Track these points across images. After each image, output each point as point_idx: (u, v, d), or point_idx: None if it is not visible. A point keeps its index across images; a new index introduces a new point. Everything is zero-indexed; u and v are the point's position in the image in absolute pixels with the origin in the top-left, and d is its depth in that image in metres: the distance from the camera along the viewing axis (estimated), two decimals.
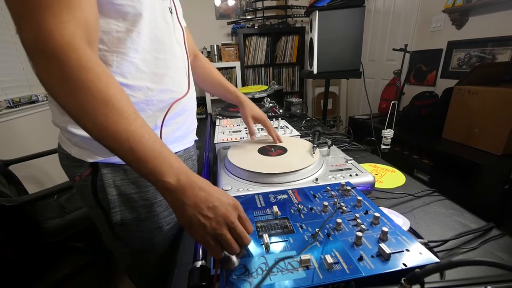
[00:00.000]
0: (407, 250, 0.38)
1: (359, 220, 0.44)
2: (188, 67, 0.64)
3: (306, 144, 0.79)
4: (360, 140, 1.03)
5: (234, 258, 0.38)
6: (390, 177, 0.79)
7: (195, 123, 0.71)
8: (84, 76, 0.34)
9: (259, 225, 0.45)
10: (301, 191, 0.56)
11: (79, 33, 0.35)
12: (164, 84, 0.55)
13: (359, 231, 0.41)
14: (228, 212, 0.36)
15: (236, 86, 2.78)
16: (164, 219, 0.61)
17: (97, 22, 0.40)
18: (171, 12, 0.56)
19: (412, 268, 0.34)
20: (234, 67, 2.72)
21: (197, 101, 0.71)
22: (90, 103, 0.34)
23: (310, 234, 0.42)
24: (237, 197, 0.54)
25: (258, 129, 1.02)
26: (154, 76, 0.53)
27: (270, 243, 0.40)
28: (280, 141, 0.80)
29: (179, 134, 0.63)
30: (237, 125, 1.12)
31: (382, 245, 0.37)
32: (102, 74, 0.36)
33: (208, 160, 0.82)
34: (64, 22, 0.34)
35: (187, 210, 0.36)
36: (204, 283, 0.36)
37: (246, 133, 0.94)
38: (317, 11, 1.41)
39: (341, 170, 0.66)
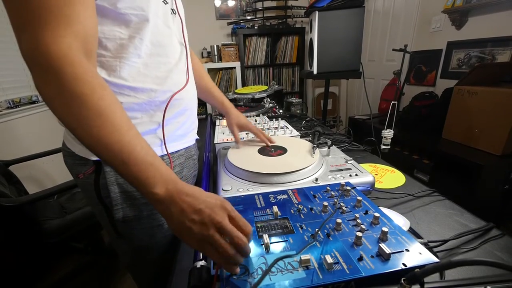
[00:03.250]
0: (407, 250, 0.38)
1: (359, 220, 0.44)
2: (188, 62, 0.64)
3: (306, 144, 0.79)
4: (360, 140, 1.04)
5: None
6: (390, 177, 0.79)
7: (196, 122, 0.72)
8: (78, 88, 0.34)
9: (259, 225, 0.45)
10: (301, 191, 0.56)
11: (76, 46, 0.35)
12: (167, 85, 0.56)
13: (359, 231, 0.41)
14: (214, 212, 0.35)
15: (236, 86, 2.78)
16: None
17: (96, 32, 0.41)
18: (175, 14, 0.57)
19: (412, 268, 0.34)
20: (234, 68, 2.72)
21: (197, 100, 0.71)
22: (84, 115, 0.35)
23: (310, 234, 0.42)
24: (237, 197, 0.54)
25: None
26: (157, 79, 0.54)
27: (270, 243, 0.40)
28: (272, 142, 0.80)
29: (180, 133, 0.63)
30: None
31: (382, 245, 0.37)
32: (97, 86, 0.36)
33: (208, 160, 0.82)
34: (61, 36, 0.34)
35: (174, 217, 0.36)
36: (204, 283, 0.36)
37: (246, 133, 0.94)
38: (317, 12, 1.41)
39: (341, 170, 0.66)
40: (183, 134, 0.65)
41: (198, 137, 0.75)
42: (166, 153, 0.58)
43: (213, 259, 0.36)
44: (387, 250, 0.36)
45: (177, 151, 0.63)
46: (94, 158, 0.52)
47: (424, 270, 0.31)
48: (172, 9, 0.57)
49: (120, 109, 0.38)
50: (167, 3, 0.55)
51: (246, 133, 0.94)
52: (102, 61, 0.47)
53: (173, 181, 0.38)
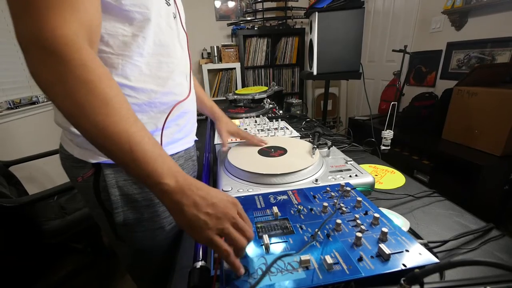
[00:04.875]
0: (407, 251, 0.38)
1: (359, 221, 0.44)
2: (190, 71, 0.65)
3: (306, 145, 0.79)
4: (360, 141, 1.04)
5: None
6: (390, 178, 0.79)
7: (195, 125, 0.72)
8: (86, 76, 0.33)
9: (259, 225, 0.45)
10: (301, 192, 0.56)
11: (82, 34, 0.35)
12: (167, 87, 0.55)
13: (359, 231, 0.41)
14: (227, 208, 0.37)
15: (236, 87, 2.79)
16: (166, 219, 0.61)
17: (99, 25, 0.41)
18: (175, 17, 0.57)
19: (412, 269, 0.34)
20: (234, 68, 2.73)
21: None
22: (90, 103, 0.33)
23: (310, 235, 0.42)
24: (237, 198, 0.54)
25: (258, 129, 1.04)
26: (158, 79, 0.54)
27: (270, 243, 0.40)
28: (265, 143, 0.80)
29: (179, 136, 0.63)
30: (237, 126, 1.12)
31: (382, 246, 0.37)
32: (103, 75, 0.35)
33: (208, 161, 0.82)
34: (68, 21, 0.33)
35: (186, 210, 0.36)
36: (203, 284, 0.36)
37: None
38: (316, 13, 1.42)
39: (341, 171, 0.66)
40: (183, 136, 0.65)
41: (197, 139, 0.75)
42: None
43: (220, 253, 0.35)
44: (387, 250, 0.36)
45: (176, 153, 0.63)
46: (93, 160, 0.52)
47: (424, 271, 0.31)
48: (174, 13, 0.57)
49: (126, 101, 0.38)
50: (169, 4, 0.55)
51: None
52: (103, 57, 0.46)
53: (182, 174, 0.38)
